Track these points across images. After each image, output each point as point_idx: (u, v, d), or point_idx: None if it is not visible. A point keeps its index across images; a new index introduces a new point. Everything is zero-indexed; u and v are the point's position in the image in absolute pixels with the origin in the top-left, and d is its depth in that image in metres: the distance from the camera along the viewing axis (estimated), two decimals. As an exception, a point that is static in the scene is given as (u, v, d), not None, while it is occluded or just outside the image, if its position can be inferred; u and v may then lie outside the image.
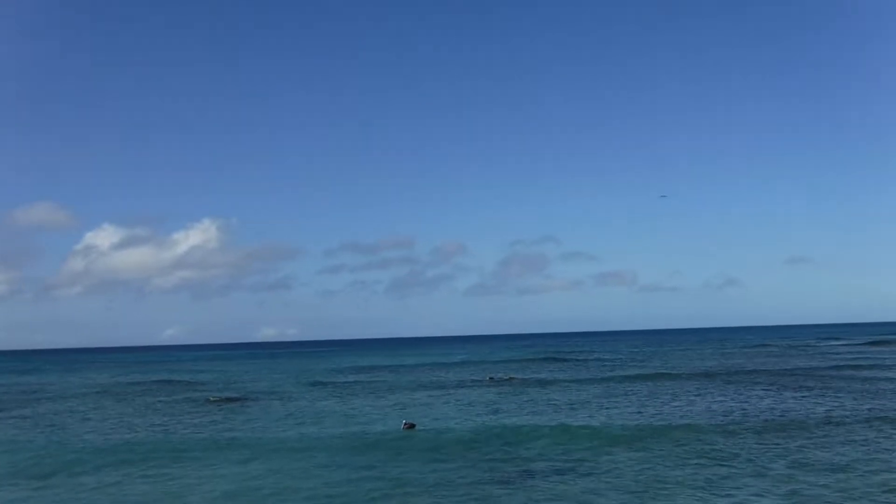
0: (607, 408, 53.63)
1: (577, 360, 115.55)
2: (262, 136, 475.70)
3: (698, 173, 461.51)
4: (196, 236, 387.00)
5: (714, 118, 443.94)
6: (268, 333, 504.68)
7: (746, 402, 54.34)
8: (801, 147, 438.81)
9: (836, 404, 50.99)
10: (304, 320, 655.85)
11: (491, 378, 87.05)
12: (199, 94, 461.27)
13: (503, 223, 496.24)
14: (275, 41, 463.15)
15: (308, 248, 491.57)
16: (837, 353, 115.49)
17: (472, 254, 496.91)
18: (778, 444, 36.40)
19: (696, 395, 59.59)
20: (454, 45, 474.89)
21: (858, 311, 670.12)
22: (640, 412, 50.61)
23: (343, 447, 39.76)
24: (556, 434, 41.62)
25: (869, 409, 48.00)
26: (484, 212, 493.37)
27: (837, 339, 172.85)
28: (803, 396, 56.41)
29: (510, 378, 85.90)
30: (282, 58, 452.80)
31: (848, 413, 46.55)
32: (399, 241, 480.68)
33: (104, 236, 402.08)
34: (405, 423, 46.26)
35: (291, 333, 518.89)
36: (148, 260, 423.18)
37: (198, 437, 45.51)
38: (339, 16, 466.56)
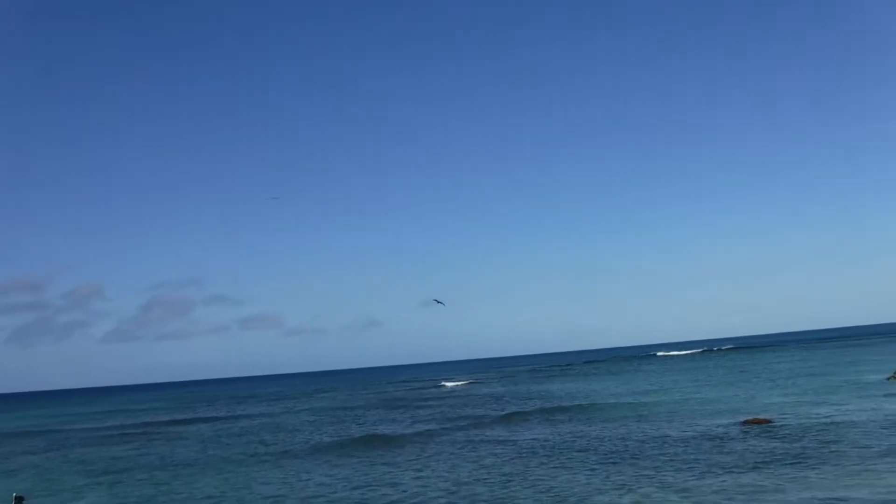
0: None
1: (217, 418, 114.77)
2: None
3: (336, 214, 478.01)
4: None
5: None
6: None
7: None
8: (431, 199, 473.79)
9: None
10: None
11: (123, 434, 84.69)
12: None
13: (145, 265, 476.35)
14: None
15: None
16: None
17: (111, 298, 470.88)
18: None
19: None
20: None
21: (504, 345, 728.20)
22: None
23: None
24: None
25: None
26: (125, 253, 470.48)
27: (450, 377, 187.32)
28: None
29: (144, 432, 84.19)
30: None
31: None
32: (26, 284, 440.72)
33: None
34: (15, 496, 43.70)
35: None
36: None
37: None
38: None
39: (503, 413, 74.20)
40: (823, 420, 50.46)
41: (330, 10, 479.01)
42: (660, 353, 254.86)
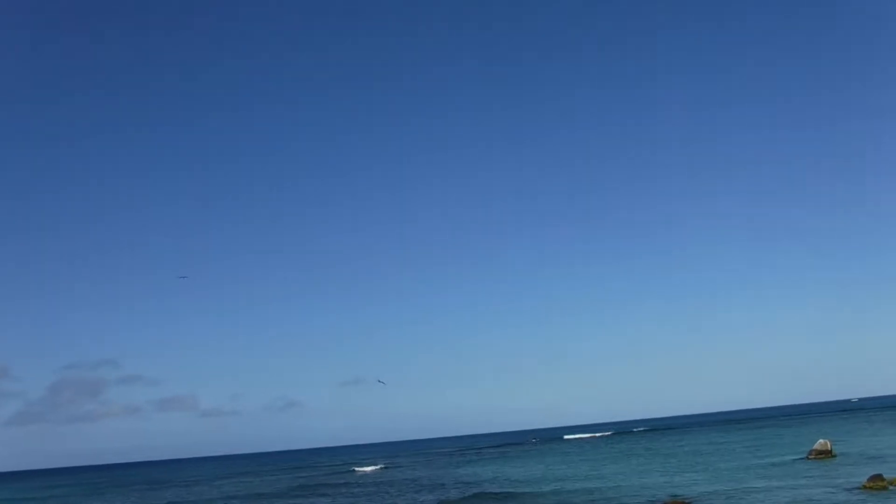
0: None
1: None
2: None
3: (261, 295, 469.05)
4: None
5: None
6: None
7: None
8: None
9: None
10: None
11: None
12: None
13: (55, 344, 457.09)
14: None
15: None
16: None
17: (18, 378, 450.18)
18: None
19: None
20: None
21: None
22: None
23: None
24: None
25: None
26: (33, 331, 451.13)
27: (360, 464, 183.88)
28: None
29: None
30: None
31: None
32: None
33: None
34: None
35: None
36: None
37: None
38: None
39: (433, 501, 72.38)
40: (744, 501, 50.85)
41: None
42: (566, 437, 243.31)
